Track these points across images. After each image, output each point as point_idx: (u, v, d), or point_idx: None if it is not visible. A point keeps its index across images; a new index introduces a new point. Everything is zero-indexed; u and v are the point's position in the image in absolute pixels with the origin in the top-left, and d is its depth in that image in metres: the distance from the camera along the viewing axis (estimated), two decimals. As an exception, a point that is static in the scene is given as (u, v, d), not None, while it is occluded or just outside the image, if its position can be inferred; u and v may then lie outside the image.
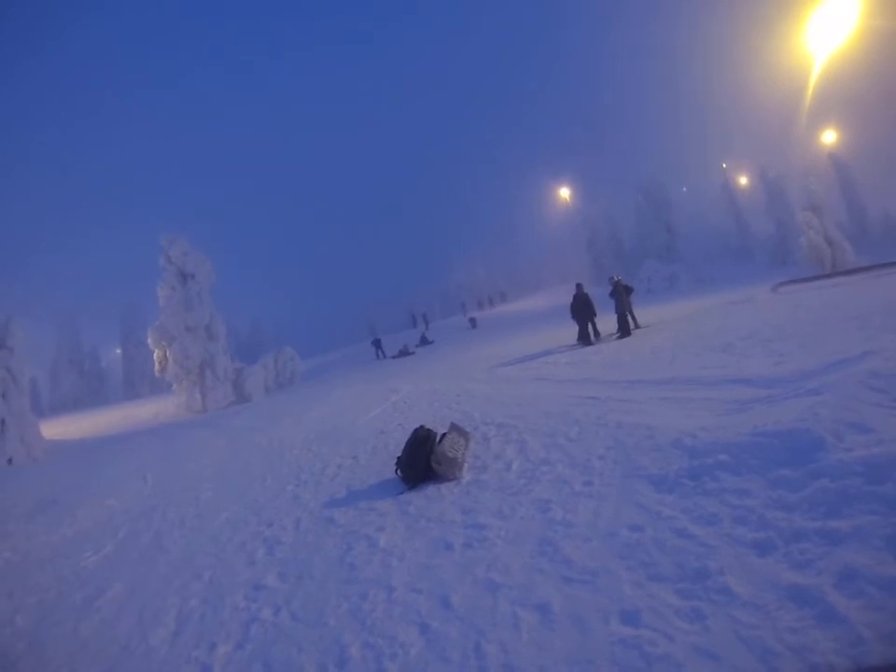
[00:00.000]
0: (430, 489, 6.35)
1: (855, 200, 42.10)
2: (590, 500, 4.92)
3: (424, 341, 34.92)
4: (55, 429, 24.94)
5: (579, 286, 17.41)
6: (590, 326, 16.48)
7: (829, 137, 46.39)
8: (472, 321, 39.14)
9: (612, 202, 50.98)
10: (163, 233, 27.50)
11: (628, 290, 16.91)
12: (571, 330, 16.79)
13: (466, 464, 6.86)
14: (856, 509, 3.47)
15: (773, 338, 9.68)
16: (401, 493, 6.49)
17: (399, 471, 6.88)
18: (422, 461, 6.64)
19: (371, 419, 11.61)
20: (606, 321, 16.63)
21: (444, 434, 7.35)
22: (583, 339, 16.23)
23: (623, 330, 15.85)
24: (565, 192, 51.61)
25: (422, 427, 7.35)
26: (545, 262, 72.28)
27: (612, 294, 16.38)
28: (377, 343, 34.25)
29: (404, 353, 29.85)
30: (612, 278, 17.24)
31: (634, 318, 16.88)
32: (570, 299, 17.14)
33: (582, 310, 16.48)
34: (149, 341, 26.99)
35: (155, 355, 27.19)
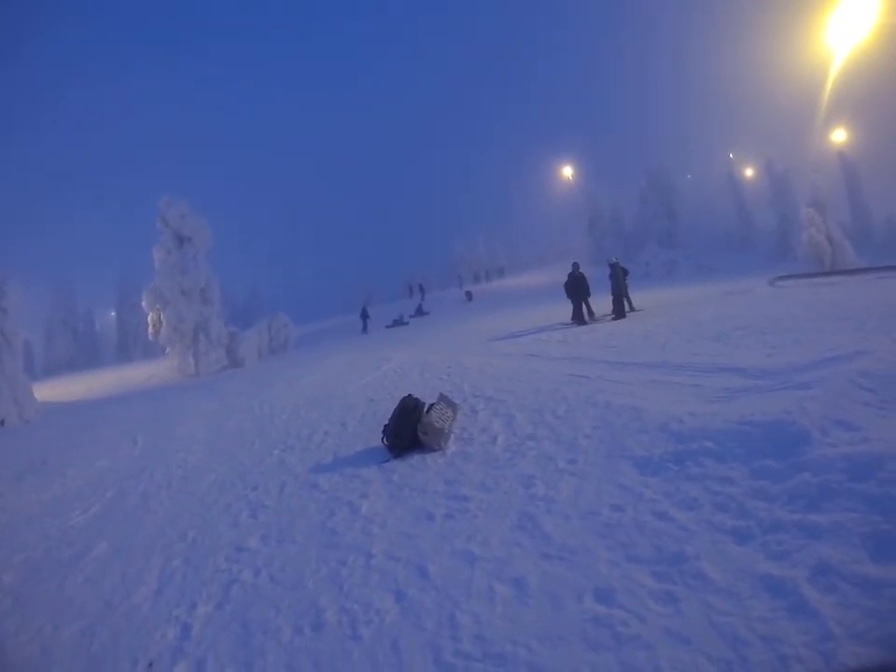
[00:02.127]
0: (415, 458, 6.40)
1: (860, 201, 41.87)
2: (573, 478, 4.96)
3: (419, 311, 34.82)
4: (48, 391, 24.66)
5: (575, 265, 17.39)
6: (584, 305, 16.45)
7: (839, 136, 45.95)
8: (468, 294, 38.95)
9: (617, 184, 51.13)
10: (162, 196, 26.85)
11: (625, 273, 16.88)
12: (566, 309, 16.72)
13: (452, 435, 6.90)
14: (836, 504, 3.49)
15: (767, 330, 9.62)
16: (387, 461, 6.55)
17: (385, 440, 6.91)
18: (408, 430, 6.68)
19: (362, 387, 11.63)
20: (601, 302, 16.62)
21: (432, 405, 7.33)
22: (577, 318, 16.21)
23: (618, 312, 15.89)
24: (568, 171, 51.24)
25: (410, 396, 7.40)
26: (545, 240, 72.29)
27: (611, 276, 16.32)
28: (364, 315, 31.56)
29: (399, 323, 29.83)
30: (609, 260, 17.21)
31: (629, 301, 16.89)
32: (567, 277, 17.05)
33: (577, 289, 16.46)
34: (143, 303, 26.84)
35: (149, 318, 26.96)
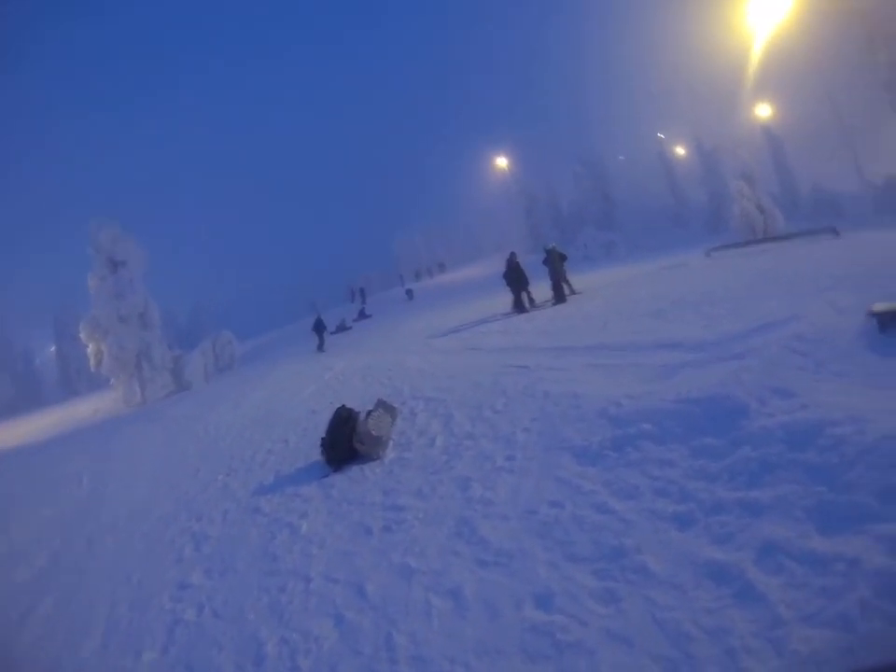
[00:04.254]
0: (354, 470, 6.34)
1: (786, 171, 42.68)
2: (511, 476, 4.87)
3: (362, 315, 34.14)
4: (-11, 440, 23.57)
5: (512, 254, 17.20)
6: (524, 294, 16.28)
7: (763, 111, 47.11)
8: (409, 293, 38.42)
9: (551, 171, 51.26)
10: (92, 218, 26.33)
11: (562, 258, 16.66)
12: (507, 299, 16.50)
13: (391, 441, 6.84)
14: (778, 477, 3.38)
15: (703, 302, 9.59)
16: (326, 476, 6.49)
17: (323, 454, 6.85)
18: (344, 442, 6.63)
19: (304, 399, 11.46)
20: (542, 288, 16.44)
21: (370, 411, 7.26)
22: (518, 307, 16.00)
23: (558, 297, 15.63)
24: (502, 161, 51.19)
25: (343, 406, 7.34)
26: (484, 231, 72.34)
27: (546, 262, 16.20)
28: (319, 327, 23.30)
29: (341, 328, 29.24)
30: (546, 246, 17.11)
31: (569, 285, 16.59)
32: (505, 267, 16.90)
33: (516, 278, 16.29)
34: (82, 335, 25.86)
35: (89, 349, 26.03)
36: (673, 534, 3.33)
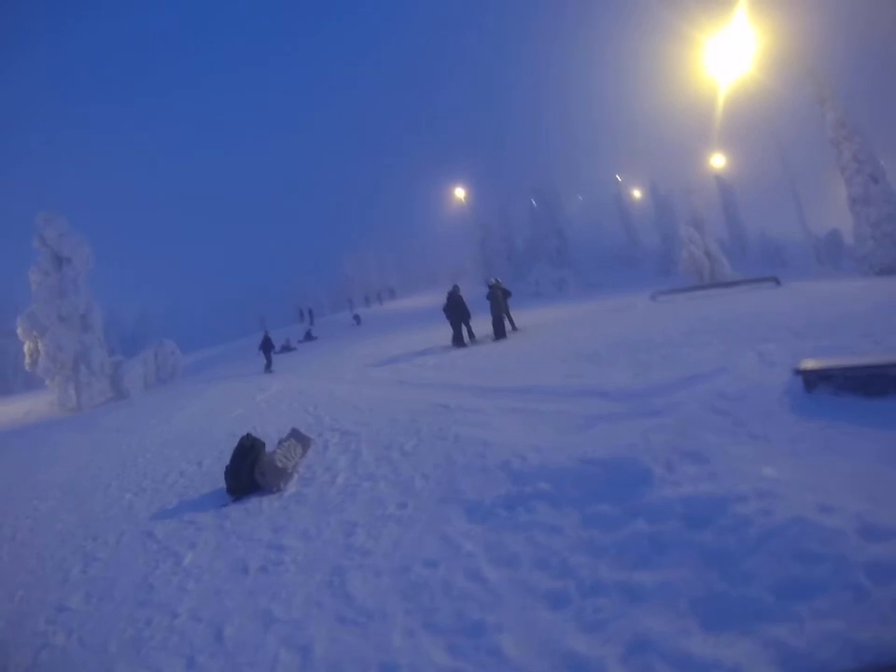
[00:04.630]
0: (253, 501, 6.15)
1: (736, 220, 44.21)
2: (397, 526, 4.65)
3: (308, 336, 33.89)
4: None
5: (455, 287, 16.97)
6: (465, 328, 16.04)
7: (718, 161, 48.50)
8: (356, 318, 38.16)
9: (508, 204, 51.21)
10: (40, 212, 25.50)
11: (506, 293, 16.59)
12: (450, 331, 16.23)
13: (296, 474, 6.66)
14: (668, 559, 3.04)
15: (639, 348, 9.45)
16: (225, 505, 6.29)
17: (226, 482, 6.66)
18: (246, 472, 6.44)
19: (231, 420, 11.22)
20: (485, 323, 16.23)
21: (282, 441, 7.34)
22: (457, 341, 15.74)
23: (498, 334, 15.44)
24: (460, 192, 51.33)
25: (248, 435, 7.10)
26: (438, 259, 72.11)
27: (489, 296, 15.99)
28: (266, 345, 21.46)
29: (286, 348, 28.59)
30: (489, 280, 16.91)
31: (511, 321, 16.60)
32: (446, 300, 16.63)
33: (456, 311, 16.01)
34: (18, 331, 25.15)
35: (25, 347, 25.38)
36: (541, 614, 2.99)
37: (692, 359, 7.59)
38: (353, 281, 67.10)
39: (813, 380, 4.87)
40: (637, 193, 57.98)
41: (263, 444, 6.93)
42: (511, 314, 16.80)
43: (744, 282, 19.94)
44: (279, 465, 6.50)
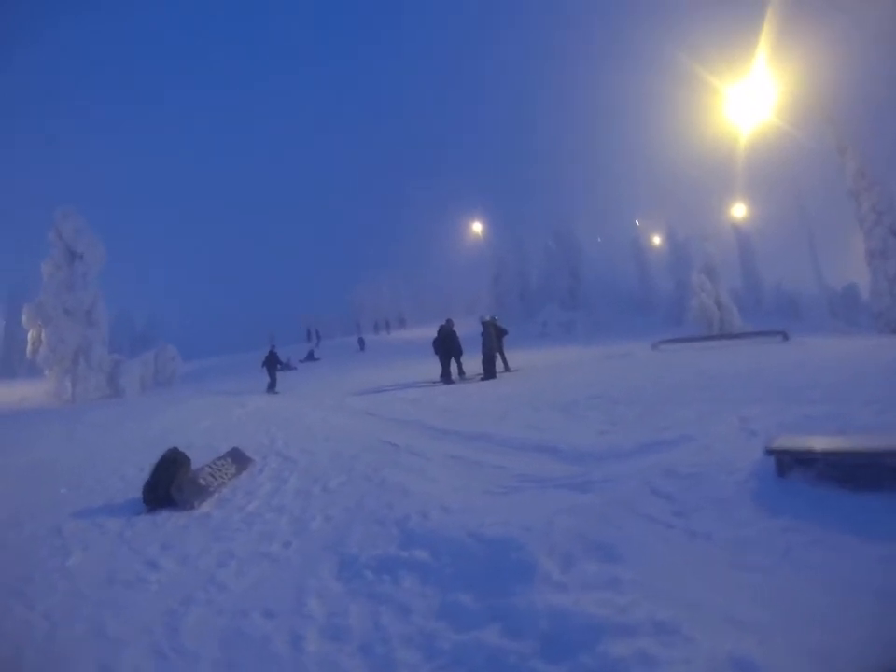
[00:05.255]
0: (164, 515, 5.99)
1: (752, 270, 42.95)
2: (269, 566, 4.38)
3: (310, 356, 33.44)
4: None
5: (448, 321, 16.31)
6: (456, 364, 15.45)
7: (738, 211, 47.70)
8: (361, 342, 37.45)
9: (525, 242, 50.40)
10: (60, 206, 25.43)
11: (501, 332, 16.09)
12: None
13: (217, 494, 6.51)
14: None
15: (621, 400, 8.75)
16: (138, 514, 6.13)
17: (143, 492, 6.45)
18: (163, 485, 6.30)
19: (196, 432, 10.90)
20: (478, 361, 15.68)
21: (217, 459, 7.23)
22: (445, 377, 15.11)
23: (487, 373, 14.87)
24: (478, 226, 50.92)
25: (174, 449, 6.92)
26: (452, 292, 70.97)
27: (483, 334, 15.26)
28: (271, 362, 19.13)
29: (286, 367, 27.96)
30: (483, 317, 16.14)
31: (505, 361, 16.08)
32: (436, 333, 16.15)
33: (446, 346, 15.43)
34: (24, 318, 25.01)
35: (29, 335, 25.16)
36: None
37: (667, 420, 6.83)
38: (365, 306, 66.33)
39: (787, 463, 3.95)
40: (655, 239, 56.97)
41: (188, 460, 6.76)
42: (506, 353, 16.31)
43: (751, 334, 19.36)
44: (201, 482, 6.43)
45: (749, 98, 23.10)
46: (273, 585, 4.01)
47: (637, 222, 58.51)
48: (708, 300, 25.32)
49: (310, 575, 4.06)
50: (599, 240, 67.04)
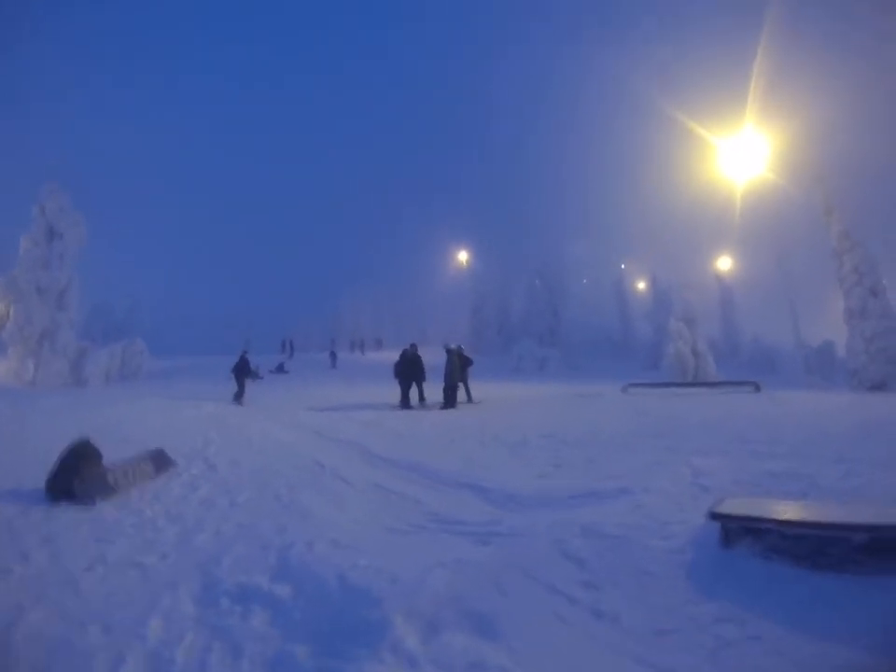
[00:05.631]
0: (63, 507, 5.58)
1: (731, 321, 42.68)
2: (136, 578, 3.93)
3: (280, 369, 32.08)
4: None
5: (412, 345, 15.79)
6: (417, 389, 14.94)
7: (724, 263, 47.59)
8: (333, 356, 36.71)
9: (508, 277, 49.79)
10: (47, 181, 24.95)
11: (466, 362, 15.61)
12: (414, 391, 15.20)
13: (124, 494, 6.09)
14: None
15: (575, 442, 8.30)
16: (39, 504, 5.74)
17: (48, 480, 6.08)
18: (66, 477, 5.92)
19: (140, 428, 10.33)
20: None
21: (136, 457, 6.82)
22: (403, 402, 14.50)
23: (448, 402, 14.31)
24: (463, 256, 50.32)
25: (84, 440, 6.40)
26: (431, 320, 69.97)
27: (447, 363, 14.60)
28: (242, 370, 17.40)
29: (254, 376, 27.00)
30: (447, 345, 15.41)
31: (468, 392, 15.55)
32: (398, 357, 15.57)
33: (408, 372, 14.89)
34: None
35: None
36: None
37: (613, 468, 6.31)
38: (345, 323, 65.07)
39: (735, 531, 3.28)
40: (640, 284, 56.65)
41: (97, 454, 6.30)
42: (472, 384, 15.81)
43: (724, 384, 18.98)
44: (109, 480, 6.04)
45: (741, 152, 23.02)
46: (129, 599, 3.60)
47: (622, 266, 58.11)
48: (685, 347, 24.90)
49: (169, 593, 3.64)
50: (585, 281, 66.87)
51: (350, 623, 2.97)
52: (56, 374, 23.59)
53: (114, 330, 51.82)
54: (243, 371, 17.26)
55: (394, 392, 15.28)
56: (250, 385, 17.76)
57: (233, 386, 16.91)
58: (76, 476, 5.85)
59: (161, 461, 7.09)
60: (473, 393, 15.70)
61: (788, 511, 3.33)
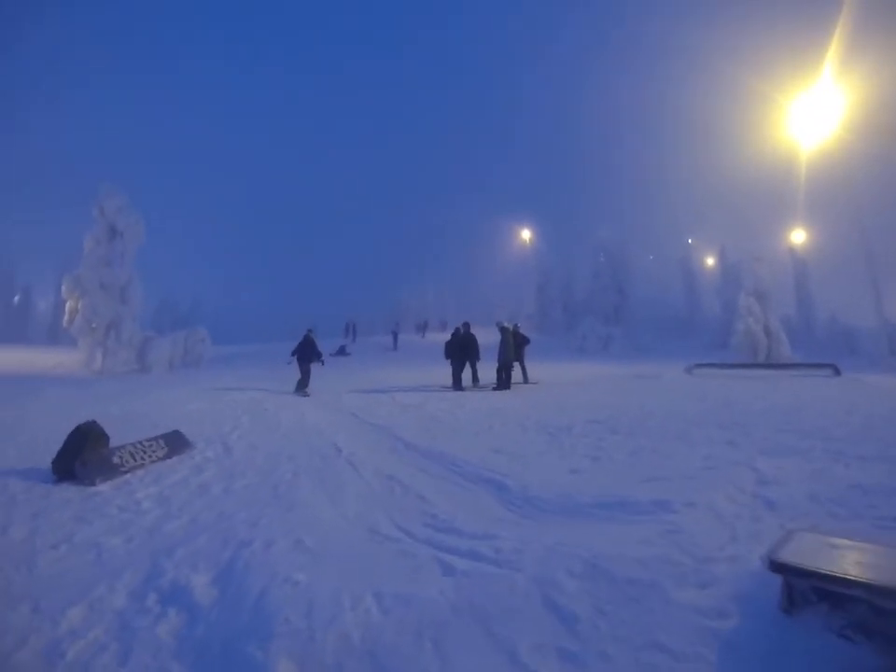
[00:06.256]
0: (63, 486, 5.58)
1: (807, 298, 39.68)
2: (88, 561, 3.68)
3: (341, 351, 31.92)
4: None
5: (465, 324, 14.94)
6: (470, 369, 14.14)
7: (798, 237, 44.36)
8: (395, 339, 35.84)
9: (573, 255, 48.01)
10: (104, 183, 25.61)
11: (523, 341, 14.87)
12: (467, 371, 14.35)
13: (129, 475, 5.98)
14: None
15: (620, 430, 7.33)
16: (46, 482, 5.76)
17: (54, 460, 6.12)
18: (69, 457, 5.93)
19: (178, 413, 10.23)
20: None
21: (149, 438, 6.78)
22: (455, 383, 13.76)
23: (500, 382, 13.59)
24: (526, 234, 48.79)
25: (92, 422, 6.50)
26: (498, 300, 68.54)
27: (501, 342, 13.74)
28: (305, 352, 14.39)
29: (318, 358, 26.96)
30: (500, 323, 14.37)
31: (524, 372, 14.95)
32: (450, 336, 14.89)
33: (460, 351, 14.10)
34: (63, 289, 25.06)
35: (67, 305, 25.26)
36: None
37: (659, 465, 5.23)
38: (409, 306, 64.42)
39: (803, 592, 2.19)
40: (708, 259, 53.75)
41: (103, 434, 6.43)
42: (527, 364, 15.08)
43: (797, 366, 17.46)
44: (114, 460, 6.02)
45: (814, 111, 20.84)
46: (73, 581, 3.40)
47: (689, 241, 55.25)
48: (756, 325, 23.25)
49: (108, 582, 3.39)
50: (651, 258, 64.34)
51: (233, 658, 2.41)
52: (123, 363, 24.70)
53: (180, 323, 53.81)
54: (307, 355, 14.33)
55: (450, 373, 14.56)
56: (318, 368, 15.05)
57: (294, 372, 14.32)
58: (77, 457, 5.84)
59: (176, 443, 7.01)
60: (530, 373, 14.92)
61: (886, 567, 2.23)
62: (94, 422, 6.50)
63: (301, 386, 13.73)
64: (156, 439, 6.81)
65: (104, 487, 5.53)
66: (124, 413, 10.09)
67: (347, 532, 4.00)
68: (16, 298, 55.60)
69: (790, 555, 2.27)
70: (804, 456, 5.17)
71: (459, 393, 12.89)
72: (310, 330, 15.19)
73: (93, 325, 24.39)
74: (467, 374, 13.98)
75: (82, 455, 5.90)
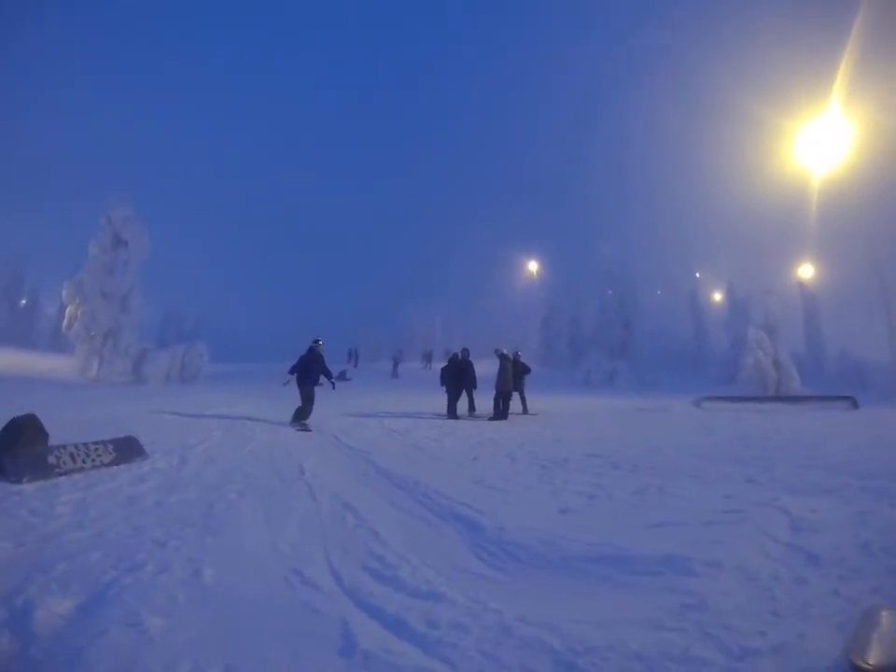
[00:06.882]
0: None
1: (816, 332, 38.95)
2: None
3: (342, 376, 30.97)
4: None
5: (464, 350, 14.25)
6: (468, 397, 13.35)
7: (806, 271, 43.61)
8: (395, 367, 35.31)
9: (579, 287, 47.44)
10: (115, 193, 26.24)
11: (523, 369, 14.24)
12: (463, 401, 13.56)
13: (64, 477, 5.56)
14: None
15: (625, 465, 6.47)
16: None
17: None
18: (0, 450, 5.67)
19: (148, 422, 9.74)
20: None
21: (97, 442, 6.37)
22: (451, 412, 12.83)
23: (497, 413, 12.70)
24: (533, 266, 48.20)
25: (31, 415, 6.28)
26: (504, 330, 67.73)
27: (499, 370, 12.84)
28: (307, 370, 10.86)
29: (329, 378, 26.22)
30: (499, 350, 13.47)
31: (524, 402, 14.18)
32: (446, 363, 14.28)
33: (457, 378, 13.29)
34: (63, 294, 25.20)
35: (67, 310, 25.39)
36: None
37: (669, 506, 4.36)
38: (415, 334, 63.62)
39: None
40: (715, 295, 53.07)
41: (42, 431, 6.23)
42: (527, 395, 14.35)
43: (813, 398, 16.45)
44: (50, 460, 5.67)
45: (824, 138, 20.26)
46: None
47: (697, 275, 54.53)
48: (766, 358, 22.50)
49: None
50: (658, 292, 63.61)
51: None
52: (118, 372, 24.78)
53: (186, 336, 53.22)
54: (311, 374, 10.96)
55: (444, 401, 13.71)
56: (319, 391, 11.47)
57: (293, 394, 11.14)
58: (7, 452, 5.59)
59: (127, 450, 6.60)
60: (530, 404, 14.13)
61: None
62: (33, 416, 6.21)
63: (300, 416, 10.44)
64: (104, 443, 6.39)
65: (28, 487, 5.18)
66: (90, 418, 9.77)
67: (261, 569, 3.32)
68: (22, 301, 54.95)
69: (884, 654, 1.37)
70: (838, 496, 4.38)
71: (453, 421, 12.15)
72: (317, 342, 11.42)
73: (92, 332, 24.32)
74: (463, 403, 13.12)
75: (13, 449, 5.65)
